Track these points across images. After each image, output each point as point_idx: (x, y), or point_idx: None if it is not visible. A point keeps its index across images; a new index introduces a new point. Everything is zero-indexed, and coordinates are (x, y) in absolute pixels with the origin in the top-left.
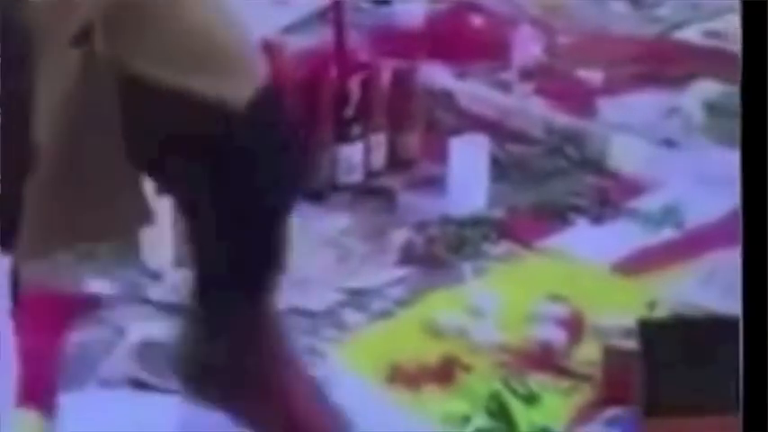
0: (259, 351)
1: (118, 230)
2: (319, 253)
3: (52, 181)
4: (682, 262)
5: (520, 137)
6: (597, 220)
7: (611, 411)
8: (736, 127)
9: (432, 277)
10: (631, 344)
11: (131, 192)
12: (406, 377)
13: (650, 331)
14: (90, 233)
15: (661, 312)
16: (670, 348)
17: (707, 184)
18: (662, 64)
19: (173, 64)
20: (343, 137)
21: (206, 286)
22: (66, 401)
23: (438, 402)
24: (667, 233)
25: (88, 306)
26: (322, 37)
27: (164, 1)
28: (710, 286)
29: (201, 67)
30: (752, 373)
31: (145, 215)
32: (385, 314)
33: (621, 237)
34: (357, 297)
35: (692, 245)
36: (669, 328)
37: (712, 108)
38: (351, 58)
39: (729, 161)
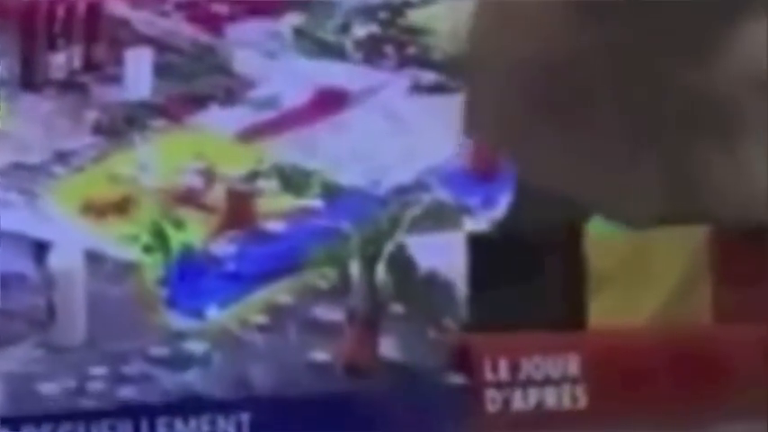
0: None
1: None
2: (34, 127)
3: None
4: (280, 133)
5: (174, 49)
6: (224, 105)
7: (231, 233)
8: (313, 45)
9: (113, 143)
10: (249, 186)
11: None
12: (95, 211)
13: (478, 248)
14: None
15: (266, 166)
16: (498, 263)
17: (301, 80)
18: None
19: None
20: (52, 47)
21: None
22: None
23: (117, 227)
24: (270, 113)
25: None
26: None
27: None
28: (304, 151)
29: None
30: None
31: None
32: (81, 168)
33: (240, 117)
34: (62, 156)
35: (287, 122)
36: (496, 243)
37: (299, 32)
38: None
39: (310, 65)
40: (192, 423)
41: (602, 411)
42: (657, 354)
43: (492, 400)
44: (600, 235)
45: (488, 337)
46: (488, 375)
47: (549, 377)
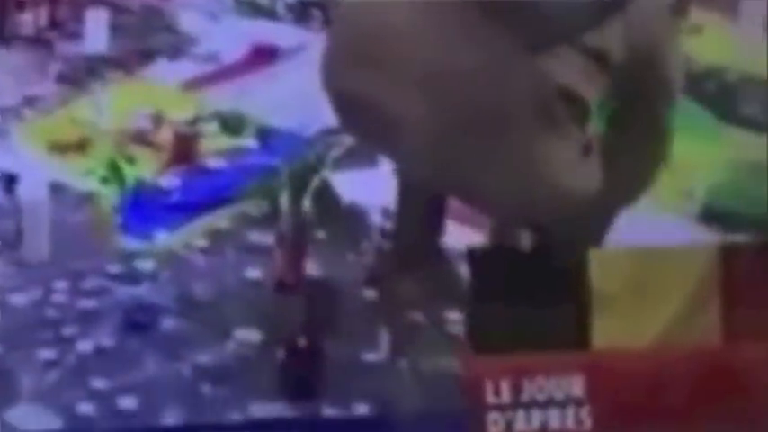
0: None
1: None
2: (5, 76)
3: None
4: (219, 83)
5: (127, 11)
6: (171, 59)
7: (177, 169)
8: (249, 7)
9: (74, 90)
10: (192, 129)
11: None
12: (60, 148)
13: (481, 267)
14: None
15: (207, 111)
16: (499, 281)
17: (239, 38)
18: None
19: None
20: (21, 7)
21: None
22: None
23: (78, 163)
24: (211, 66)
25: None
26: None
27: None
28: (240, 99)
29: None
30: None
31: None
32: (47, 112)
33: (185, 69)
34: (31, 102)
35: (226, 74)
36: (498, 258)
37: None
38: None
39: (246, 25)
40: None
41: None
42: (665, 374)
43: (494, 422)
44: (603, 254)
45: (489, 359)
46: (490, 398)
47: (552, 399)
